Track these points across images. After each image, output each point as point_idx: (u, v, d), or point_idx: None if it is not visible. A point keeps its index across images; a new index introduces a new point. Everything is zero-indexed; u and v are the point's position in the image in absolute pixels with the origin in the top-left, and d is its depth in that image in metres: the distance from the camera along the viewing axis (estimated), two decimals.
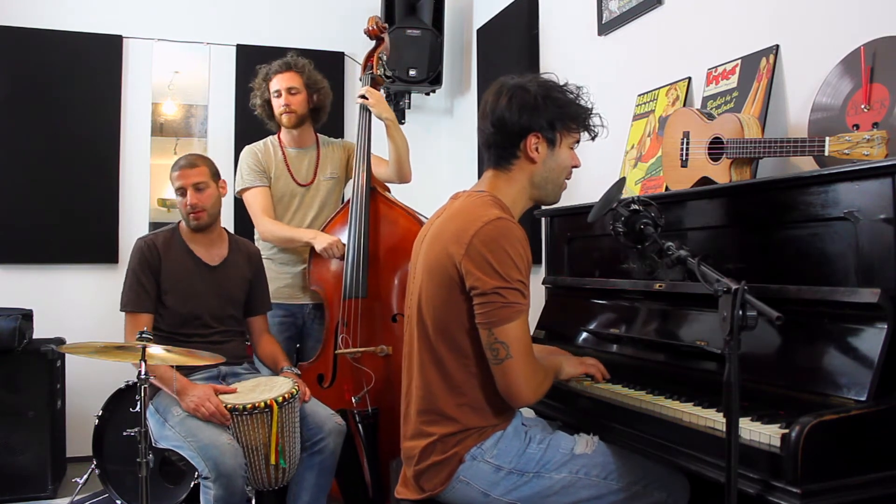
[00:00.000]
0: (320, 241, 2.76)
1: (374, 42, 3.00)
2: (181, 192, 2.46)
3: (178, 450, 2.22)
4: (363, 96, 2.88)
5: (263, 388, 2.33)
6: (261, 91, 2.95)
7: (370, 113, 2.89)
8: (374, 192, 2.86)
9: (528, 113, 1.69)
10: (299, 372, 2.57)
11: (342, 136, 2.96)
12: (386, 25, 3.03)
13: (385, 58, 3.02)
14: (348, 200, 2.85)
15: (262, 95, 2.96)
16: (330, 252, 2.73)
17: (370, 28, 2.98)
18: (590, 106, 1.77)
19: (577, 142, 1.79)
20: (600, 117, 1.79)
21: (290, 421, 2.25)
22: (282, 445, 2.21)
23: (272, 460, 2.19)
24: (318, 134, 3.06)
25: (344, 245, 2.75)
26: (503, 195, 1.74)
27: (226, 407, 2.19)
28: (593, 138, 1.80)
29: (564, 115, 1.72)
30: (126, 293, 2.41)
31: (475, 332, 1.63)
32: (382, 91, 4.12)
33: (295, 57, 2.96)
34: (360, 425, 2.67)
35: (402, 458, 1.79)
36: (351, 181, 2.92)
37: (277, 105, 2.91)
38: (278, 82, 2.90)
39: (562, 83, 1.76)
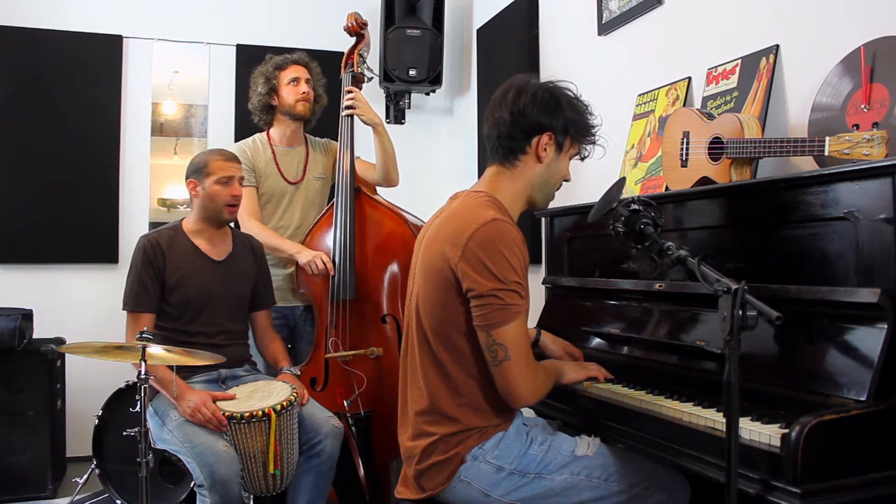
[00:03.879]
0: (303, 256, 2.74)
1: (354, 39, 2.99)
2: (227, 181, 2.43)
3: (176, 453, 2.22)
4: (350, 106, 2.88)
5: (262, 395, 2.31)
6: (271, 78, 2.91)
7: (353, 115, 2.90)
8: (359, 192, 2.86)
9: (549, 112, 1.71)
10: (299, 372, 2.56)
11: (334, 134, 2.95)
12: (366, 21, 3.02)
13: (366, 54, 3.01)
14: (333, 202, 2.85)
15: (269, 82, 2.92)
16: (312, 266, 2.70)
17: (349, 25, 2.98)
18: (597, 125, 1.80)
19: (576, 155, 1.81)
20: (601, 140, 1.82)
21: (288, 428, 2.24)
22: (280, 453, 2.20)
23: (271, 469, 2.18)
24: (306, 134, 3.06)
25: (328, 257, 2.73)
26: (503, 194, 1.75)
27: (223, 414, 2.18)
28: (583, 159, 1.83)
29: (579, 124, 1.75)
30: (128, 292, 2.38)
31: (473, 334, 1.63)
32: (382, 90, 4.16)
33: (309, 57, 2.99)
34: (353, 428, 2.65)
35: (403, 457, 1.79)
36: (335, 183, 2.90)
37: (294, 93, 2.90)
38: (297, 71, 2.92)
39: (578, 96, 1.79)
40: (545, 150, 1.73)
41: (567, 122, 1.73)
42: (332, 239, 2.80)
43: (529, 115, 1.71)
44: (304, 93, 2.90)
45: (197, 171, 2.45)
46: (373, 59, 3.19)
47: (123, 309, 2.39)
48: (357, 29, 2.98)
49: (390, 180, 2.96)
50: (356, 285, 2.74)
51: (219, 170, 2.43)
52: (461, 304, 1.64)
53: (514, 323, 1.60)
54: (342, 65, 3.01)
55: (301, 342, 2.97)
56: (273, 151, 2.94)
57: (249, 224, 2.84)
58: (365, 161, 2.98)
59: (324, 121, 3.11)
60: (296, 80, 2.90)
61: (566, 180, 1.83)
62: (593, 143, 1.80)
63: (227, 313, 2.50)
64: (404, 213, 2.83)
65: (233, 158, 2.50)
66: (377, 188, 2.99)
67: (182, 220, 2.55)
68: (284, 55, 2.96)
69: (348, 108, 2.89)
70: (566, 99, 1.74)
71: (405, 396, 1.79)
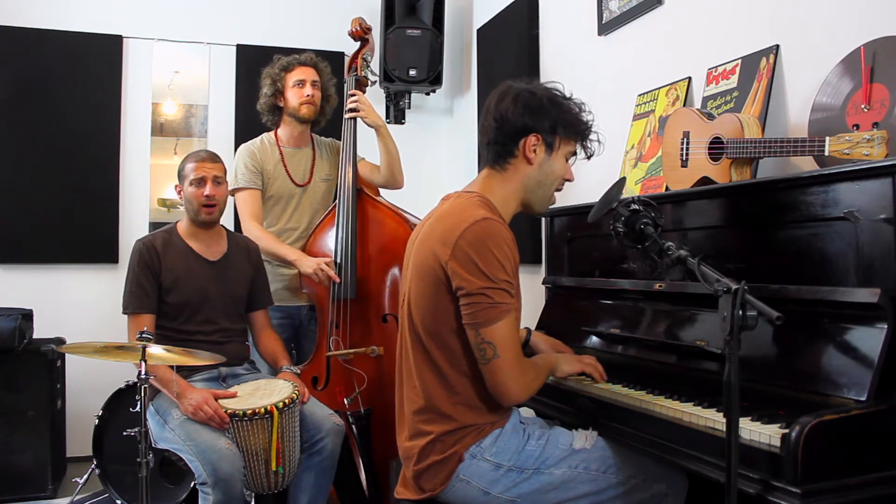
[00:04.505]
0: (305, 266, 2.73)
1: (358, 43, 3.02)
2: (199, 182, 2.44)
3: (178, 452, 2.22)
4: (353, 109, 2.89)
5: (263, 393, 2.32)
6: (277, 80, 2.91)
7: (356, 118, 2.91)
8: (361, 193, 2.86)
9: (531, 113, 1.70)
10: (299, 371, 2.57)
11: (339, 135, 2.96)
12: (370, 26, 3.04)
13: (370, 59, 3.03)
14: (335, 203, 2.86)
15: (275, 84, 2.91)
16: (317, 277, 2.71)
17: (354, 30, 3.00)
18: (591, 121, 1.78)
19: (574, 154, 1.80)
20: (598, 136, 1.80)
21: (290, 426, 2.25)
22: (282, 450, 2.21)
23: (273, 466, 2.19)
24: (312, 134, 3.06)
25: (331, 264, 2.72)
26: (494, 196, 1.75)
27: (226, 412, 2.19)
28: (589, 157, 1.81)
29: (566, 121, 1.73)
30: (127, 296, 2.40)
31: (464, 332, 1.64)
32: (383, 90, 4.16)
33: (318, 57, 2.99)
34: (353, 426, 2.66)
35: (401, 458, 1.79)
36: (338, 183, 2.91)
37: (299, 95, 2.89)
38: (303, 73, 2.91)
39: (567, 95, 1.77)
40: (534, 151, 1.72)
41: (553, 121, 1.71)
42: (334, 239, 2.80)
43: (513, 119, 1.71)
44: (308, 96, 2.89)
45: (179, 176, 2.52)
46: (373, 59, 3.20)
47: (124, 313, 2.41)
48: (361, 34, 3.00)
49: (396, 182, 2.97)
50: (357, 285, 2.75)
51: (191, 172, 2.46)
52: (451, 302, 1.64)
53: (504, 321, 1.60)
54: (346, 68, 3.03)
55: (305, 341, 2.98)
56: (281, 153, 2.94)
57: (251, 227, 2.84)
58: (370, 163, 2.99)
59: (328, 121, 3.12)
60: (301, 83, 2.90)
61: (568, 180, 1.81)
62: (586, 138, 1.78)
63: (224, 313, 2.51)
64: (406, 214, 2.84)
65: (208, 159, 2.49)
66: (380, 190, 3.00)
67: (177, 222, 2.57)
68: (293, 56, 2.95)
69: (352, 110, 2.90)
70: (549, 98, 1.72)
71: (402, 396, 1.79)
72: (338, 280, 2.72)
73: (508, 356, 1.61)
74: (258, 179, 2.88)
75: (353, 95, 2.92)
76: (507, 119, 1.71)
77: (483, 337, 1.60)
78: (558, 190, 1.82)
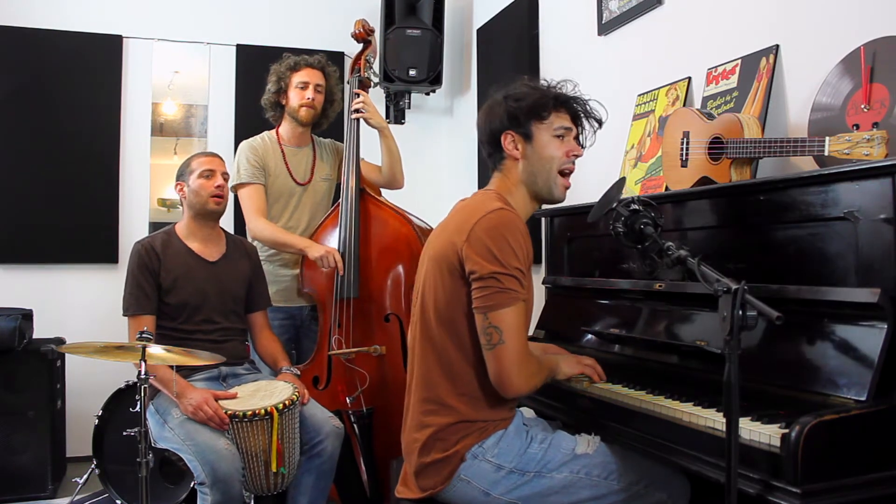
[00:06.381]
0: (315, 251, 2.74)
1: (361, 45, 3.03)
2: (210, 174, 2.50)
3: (177, 452, 2.22)
4: (358, 109, 2.90)
5: (264, 394, 2.32)
6: (282, 78, 2.92)
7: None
8: (364, 193, 2.87)
9: (492, 117, 1.81)
10: (299, 372, 2.57)
11: (340, 135, 2.96)
12: (373, 28, 3.06)
13: (372, 60, 3.05)
14: (338, 202, 2.86)
15: (280, 82, 2.92)
16: (325, 262, 2.71)
17: (357, 31, 3.02)
18: (562, 90, 1.80)
19: (566, 129, 1.79)
20: (600, 104, 1.83)
21: (290, 427, 2.25)
22: (282, 451, 2.21)
23: (273, 467, 2.19)
24: (312, 135, 3.06)
25: (339, 254, 2.72)
26: (507, 194, 1.80)
27: (226, 413, 2.19)
28: (587, 119, 1.82)
29: (525, 107, 1.77)
30: (127, 298, 2.41)
31: (474, 320, 1.65)
32: (382, 90, 4.16)
33: (327, 61, 3.00)
34: (355, 426, 2.67)
35: (403, 452, 1.80)
36: (341, 183, 2.91)
37: (300, 97, 2.90)
38: (308, 75, 2.91)
39: (529, 82, 1.83)
40: (515, 147, 1.79)
41: (513, 114, 1.77)
42: (336, 238, 2.80)
43: (482, 130, 1.84)
44: (308, 99, 2.90)
45: (182, 173, 2.55)
46: (375, 60, 3.21)
47: (124, 315, 2.41)
48: (364, 35, 3.02)
49: (396, 182, 2.98)
50: (360, 284, 2.75)
51: (200, 165, 2.52)
52: (464, 286, 1.67)
53: (512, 308, 1.61)
54: (349, 69, 3.04)
55: (306, 341, 2.98)
56: (283, 151, 2.95)
57: (257, 221, 2.83)
58: (370, 163, 3.00)
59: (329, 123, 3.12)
60: (304, 85, 2.90)
61: (576, 155, 1.80)
62: (566, 106, 1.79)
63: (224, 312, 2.52)
64: (408, 215, 2.85)
65: (216, 156, 2.58)
66: (381, 190, 3.00)
67: (174, 224, 2.58)
68: (303, 56, 2.96)
69: (356, 111, 2.90)
70: (504, 95, 1.80)
71: (409, 392, 1.80)
72: (342, 272, 2.72)
73: (513, 344, 1.61)
74: (261, 175, 2.88)
75: (357, 96, 2.93)
76: (481, 131, 1.85)
77: (490, 321, 1.61)
78: (568, 172, 1.80)
